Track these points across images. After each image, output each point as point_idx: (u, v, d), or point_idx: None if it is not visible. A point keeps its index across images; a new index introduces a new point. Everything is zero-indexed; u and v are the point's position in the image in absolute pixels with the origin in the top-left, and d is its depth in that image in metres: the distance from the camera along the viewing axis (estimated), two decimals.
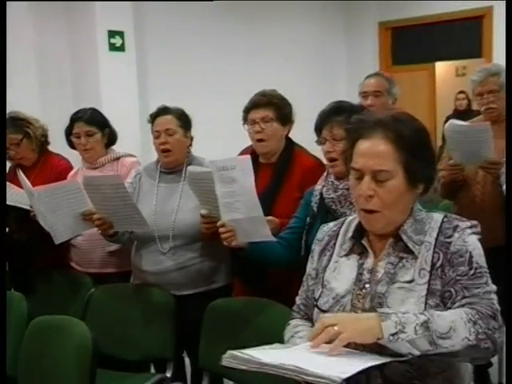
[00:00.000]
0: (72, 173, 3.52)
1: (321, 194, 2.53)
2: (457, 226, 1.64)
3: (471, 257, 1.60)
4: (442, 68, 7.79)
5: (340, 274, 1.71)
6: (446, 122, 6.73)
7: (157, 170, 3.13)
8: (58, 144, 3.64)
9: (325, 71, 7.25)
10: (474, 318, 1.51)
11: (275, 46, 6.65)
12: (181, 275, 2.95)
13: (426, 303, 1.56)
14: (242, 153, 3.18)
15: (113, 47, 5.64)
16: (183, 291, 2.97)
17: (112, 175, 3.10)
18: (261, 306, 2.68)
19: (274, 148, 2.99)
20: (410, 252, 1.63)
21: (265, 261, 2.63)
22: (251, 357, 1.49)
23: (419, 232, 1.65)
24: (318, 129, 2.48)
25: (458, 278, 1.58)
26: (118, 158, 3.45)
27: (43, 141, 3.62)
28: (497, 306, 1.58)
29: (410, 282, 1.60)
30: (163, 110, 3.07)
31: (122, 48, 5.69)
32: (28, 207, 3.16)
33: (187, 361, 3.24)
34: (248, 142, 3.15)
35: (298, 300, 1.88)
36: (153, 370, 3.21)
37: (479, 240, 1.66)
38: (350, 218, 1.81)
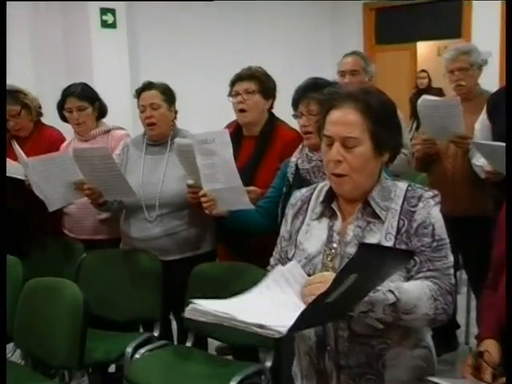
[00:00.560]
0: (64, 144, 3.58)
1: (296, 165, 2.61)
2: (421, 196, 1.72)
3: (434, 229, 1.69)
4: (423, 48, 7.82)
5: (312, 235, 1.78)
6: (411, 99, 6.83)
7: (143, 142, 3.20)
8: (50, 117, 3.71)
9: (311, 51, 7.28)
10: (436, 294, 1.63)
11: (263, 26, 6.68)
12: (168, 241, 3.04)
13: None
14: (228, 126, 3.26)
15: (105, 24, 5.68)
16: (170, 257, 3.07)
17: (100, 147, 3.16)
18: (242, 270, 2.79)
19: (256, 119, 3.06)
20: (377, 217, 1.71)
21: (244, 228, 2.72)
22: (208, 309, 1.56)
23: (386, 198, 1.73)
24: (295, 103, 2.56)
25: (423, 248, 1.68)
26: (108, 131, 3.51)
27: (39, 111, 3.69)
28: (453, 281, 1.69)
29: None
30: (148, 85, 3.13)
31: (113, 25, 5.73)
32: (23, 177, 3.24)
33: (173, 324, 3.35)
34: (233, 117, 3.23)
35: (272, 260, 1.97)
36: (141, 330, 3.31)
37: (440, 210, 1.74)
38: (322, 184, 1.88)
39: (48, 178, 3.00)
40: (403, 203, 1.71)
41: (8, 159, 3.30)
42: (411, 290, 1.61)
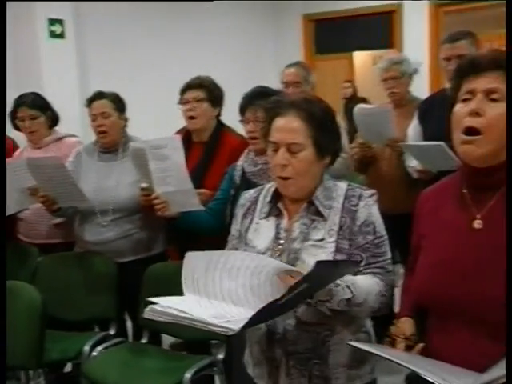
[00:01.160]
0: (17, 152, 3.57)
1: (243, 168, 2.68)
2: (361, 195, 1.81)
3: (375, 227, 1.79)
4: (360, 57, 8.00)
5: (260, 233, 1.86)
6: (346, 108, 6.97)
7: (95, 149, 3.22)
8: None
9: (254, 60, 7.37)
10: (383, 290, 1.74)
11: (209, 37, 6.73)
12: (122, 244, 3.07)
13: (334, 258, 1.74)
14: (177, 133, 3.32)
15: (53, 34, 5.63)
16: (124, 258, 3.10)
17: (53, 157, 3.14)
18: None
19: (204, 125, 3.12)
20: (321, 215, 1.79)
21: (194, 228, 2.78)
22: (166, 310, 1.61)
23: (328, 198, 1.81)
24: (242, 110, 2.63)
25: (367, 245, 1.78)
26: (61, 139, 3.52)
27: None
28: (394, 276, 1.82)
29: (321, 240, 1.77)
30: (98, 95, 3.15)
31: (61, 35, 5.69)
32: None
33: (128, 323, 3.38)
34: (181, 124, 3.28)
35: None
36: (97, 330, 3.31)
37: (378, 208, 1.84)
38: (268, 185, 1.95)
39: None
40: (344, 201, 1.80)
41: None
42: (363, 285, 1.70)
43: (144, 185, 2.81)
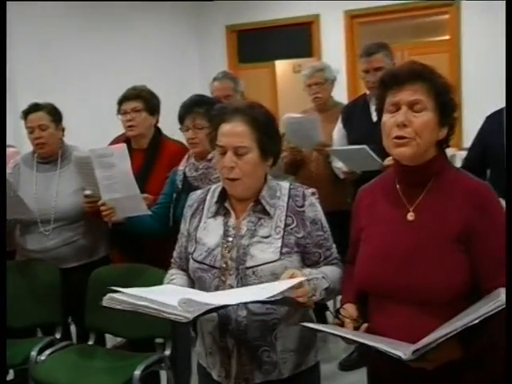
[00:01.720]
0: None
1: (184, 173, 2.74)
2: (304, 194, 1.92)
3: (322, 223, 1.92)
4: (281, 66, 8.12)
5: (209, 231, 1.92)
6: None
7: (33, 160, 3.19)
8: None
9: (180, 70, 7.37)
10: (341, 276, 1.89)
11: (138, 46, 6.69)
12: (65, 251, 3.07)
13: (280, 253, 1.83)
14: (114, 141, 3.34)
15: None
16: (68, 264, 3.09)
17: None
18: (139, 271, 2.88)
19: (144, 133, 3.16)
20: (267, 213, 1.88)
21: (140, 232, 2.83)
22: (125, 298, 1.66)
23: (273, 197, 1.90)
24: (181, 119, 2.69)
25: (321, 241, 1.90)
26: None
27: None
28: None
29: (267, 237, 1.85)
30: (34, 107, 3.11)
31: None
32: None
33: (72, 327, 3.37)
34: (119, 131, 3.31)
35: (174, 254, 2.08)
36: (40, 335, 3.28)
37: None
38: (214, 186, 2.02)
39: None
40: (289, 200, 1.90)
41: None
42: (331, 274, 1.86)
43: (87, 192, 2.84)
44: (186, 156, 2.79)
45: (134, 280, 2.81)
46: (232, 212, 1.92)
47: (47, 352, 2.86)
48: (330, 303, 4.26)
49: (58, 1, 5.79)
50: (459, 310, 1.52)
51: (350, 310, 1.75)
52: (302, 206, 1.89)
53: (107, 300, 1.70)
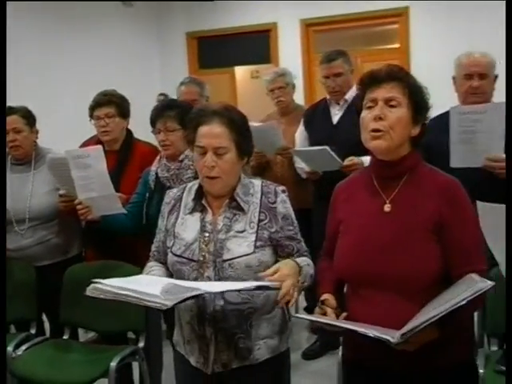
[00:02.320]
0: None
1: (156, 173, 2.76)
2: (276, 191, 1.99)
3: (292, 218, 1.99)
4: (240, 71, 8.17)
5: (187, 227, 1.97)
6: None
7: (8, 161, 3.17)
8: None
9: (142, 75, 7.37)
10: (312, 267, 1.96)
11: (100, 52, 6.65)
12: (39, 249, 3.07)
13: (254, 246, 1.90)
14: (85, 143, 3.35)
15: None
16: (42, 262, 3.09)
17: None
18: (112, 268, 2.88)
19: (117, 136, 3.18)
20: (241, 209, 1.94)
21: (115, 229, 2.84)
22: (107, 288, 1.71)
23: (247, 194, 1.96)
24: (153, 122, 2.71)
25: (292, 235, 1.97)
26: None
27: None
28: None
29: (242, 231, 1.92)
30: (8, 110, 3.09)
31: None
32: None
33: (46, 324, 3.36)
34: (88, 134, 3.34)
35: (153, 248, 2.11)
36: (13, 331, 3.27)
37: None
38: (190, 184, 2.07)
39: None
40: (261, 197, 1.96)
41: None
42: (307, 266, 1.93)
43: (62, 192, 2.85)
44: (158, 157, 2.82)
45: (108, 276, 2.69)
46: (209, 208, 1.97)
47: (23, 347, 2.86)
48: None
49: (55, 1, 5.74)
50: (432, 295, 1.63)
51: (330, 300, 1.82)
52: (274, 202, 1.96)
53: (91, 290, 1.74)
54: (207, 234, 1.93)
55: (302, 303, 4.12)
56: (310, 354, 3.81)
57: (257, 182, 2.02)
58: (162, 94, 5.92)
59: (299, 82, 5.59)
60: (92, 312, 2.86)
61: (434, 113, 2.96)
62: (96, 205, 2.70)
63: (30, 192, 3.08)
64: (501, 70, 2.84)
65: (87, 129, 3.26)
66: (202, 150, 1.90)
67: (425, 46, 6.40)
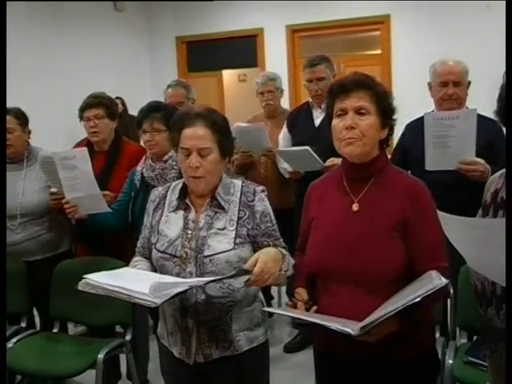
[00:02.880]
0: None
1: (142, 173, 2.79)
2: (255, 191, 2.01)
3: (270, 216, 2.01)
4: (227, 75, 8.21)
5: (171, 224, 2.00)
6: None
7: None
8: None
9: (133, 79, 7.38)
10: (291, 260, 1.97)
11: (91, 56, 6.67)
12: (30, 244, 3.09)
13: (234, 243, 1.93)
14: (78, 144, 3.38)
15: None
16: (33, 257, 3.11)
17: None
18: (101, 263, 2.86)
19: (106, 138, 3.20)
20: (222, 208, 1.97)
21: (101, 227, 2.87)
22: (98, 284, 1.73)
23: (227, 193, 1.99)
24: (139, 123, 2.75)
25: (270, 232, 1.99)
26: None
27: None
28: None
29: (223, 229, 1.95)
30: None
31: None
32: None
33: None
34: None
35: (138, 244, 2.14)
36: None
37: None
38: (174, 183, 2.10)
39: None
40: (241, 196, 1.99)
41: None
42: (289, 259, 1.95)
43: (53, 190, 2.88)
44: (144, 157, 2.85)
45: (96, 271, 2.85)
46: (192, 207, 2.00)
47: (14, 340, 2.87)
48: (274, 293, 4.43)
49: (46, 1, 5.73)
50: (396, 289, 1.68)
51: (302, 293, 1.86)
52: (253, 200, 1.99)
53: (83, 285, 1.76)
54: (189, 231, 1.96)
55: (285, 299, 4.16)
56: (291, 348, 3.85)
57: (237, 182, 2.05)
58: (118, 98, 5.88)
59: (284, 86, 5.64)
60: (81, 306, 2.88)
61: (413, 116, 3.05)
62: (83, 204, 2.74)
63: (21, 189, 3.10)
64: (471, 76, 2.91)
65: (78, 131, 3.28)
66: (186, 151, 1.93)
67: (405, 52, 6.49)
